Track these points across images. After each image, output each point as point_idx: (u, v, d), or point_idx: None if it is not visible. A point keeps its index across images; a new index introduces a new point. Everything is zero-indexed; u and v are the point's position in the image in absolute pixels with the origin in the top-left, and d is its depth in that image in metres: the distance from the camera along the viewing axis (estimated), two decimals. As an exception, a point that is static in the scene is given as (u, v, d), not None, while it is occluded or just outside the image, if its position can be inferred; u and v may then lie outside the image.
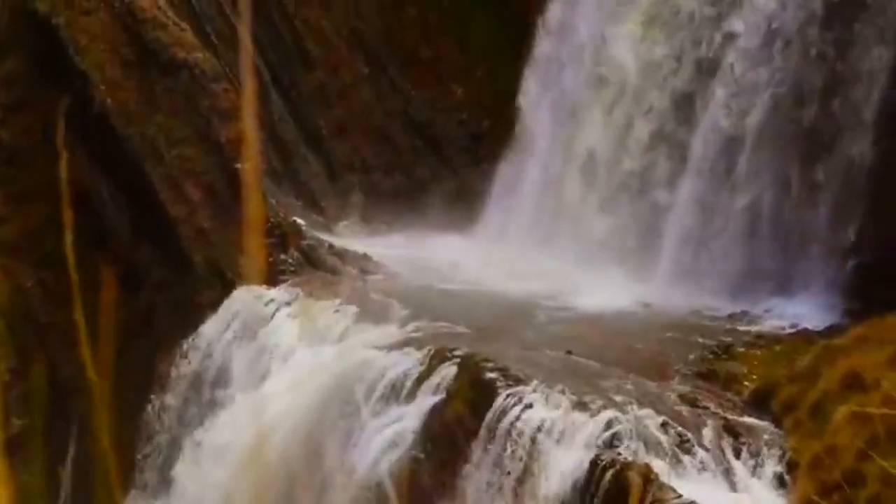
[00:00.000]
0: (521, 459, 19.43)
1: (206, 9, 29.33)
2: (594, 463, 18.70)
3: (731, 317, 23.86)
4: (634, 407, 19.52)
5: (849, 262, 23.47)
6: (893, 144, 22.88)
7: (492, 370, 20.59)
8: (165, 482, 24.17)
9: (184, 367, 24.64)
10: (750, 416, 20.11)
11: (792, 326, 23.29)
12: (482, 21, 30.67)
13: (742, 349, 22.17)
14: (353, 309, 23.31)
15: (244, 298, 24.57)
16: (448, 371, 20.84)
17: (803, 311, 23.56)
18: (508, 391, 20.03)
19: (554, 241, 26.65)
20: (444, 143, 30.86)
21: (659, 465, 18.49)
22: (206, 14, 29.27)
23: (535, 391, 19.93)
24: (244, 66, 20.70)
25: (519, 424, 19.52)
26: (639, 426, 19.09)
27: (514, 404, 19.80)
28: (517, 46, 29.00)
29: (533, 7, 28.78)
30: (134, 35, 26.20)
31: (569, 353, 21.80)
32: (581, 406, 19.58)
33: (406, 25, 30.86)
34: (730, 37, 24.84)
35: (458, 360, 20.97)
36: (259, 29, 29.47)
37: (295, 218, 27.86)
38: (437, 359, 21.13)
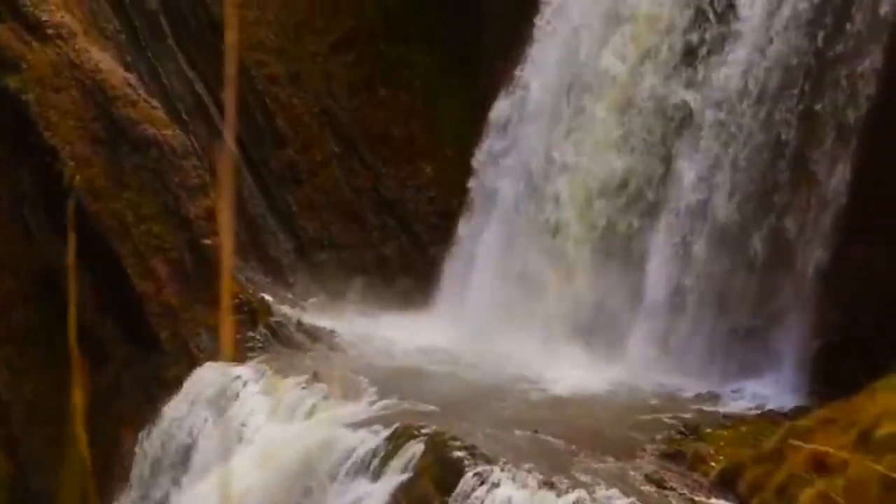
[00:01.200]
0: (489, 538, 19.32)
1: (177, 86, 29.55)
2: (561, 542, 18.62)
3: (698, 397, 23.92)
4: (602, 487, 19.48)
5: (815, 344, 23.63)
6: (851, 236, 23.21)
7: (459, 448, 20.52)
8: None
9: (149, 444, 24.43)
10: (716, 497, 20.07)
11: (758, 407, 23.37)
12: (452, 102, 30.98)
13: (709, 430, 22.19)
14: (320, 386, 23.24)
15: (211, 375, 24.45)
16: (415, 449, 20.76)
17: (770, 393, 23.66)
18: (476, 470, 19.95)
19: (520, 318, 26.69)
20: (414, 220, 31.02)
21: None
22: (177, 91, 29.48)
23: (502, 470, 19.86)
24: (226, 143, 20.78)
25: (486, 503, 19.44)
26: (606, 506, 19.03)
27: (482, 483, 19.73)
28: (486, 129, 29.29)
29: (499, 91, 29.10)
30: (104, 112, 26.29)
31: (536, 431, 21.77)
32: (548, 485, 19.51)
33: (377, 105, 31.14)
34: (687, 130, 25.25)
35: (425, 438, 20.90)
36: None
37: (263, 294, 27.86)
38: (405, 437, 21.05)
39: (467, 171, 29.80)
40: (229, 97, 13.89)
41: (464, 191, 29.71)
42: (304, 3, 30.96)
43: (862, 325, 23.61)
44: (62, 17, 26.80)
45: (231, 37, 12.98)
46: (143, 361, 25.97)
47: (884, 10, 22.86)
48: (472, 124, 30.37)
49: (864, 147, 23.00)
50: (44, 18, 26.77)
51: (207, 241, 25.88)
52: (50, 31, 26.74)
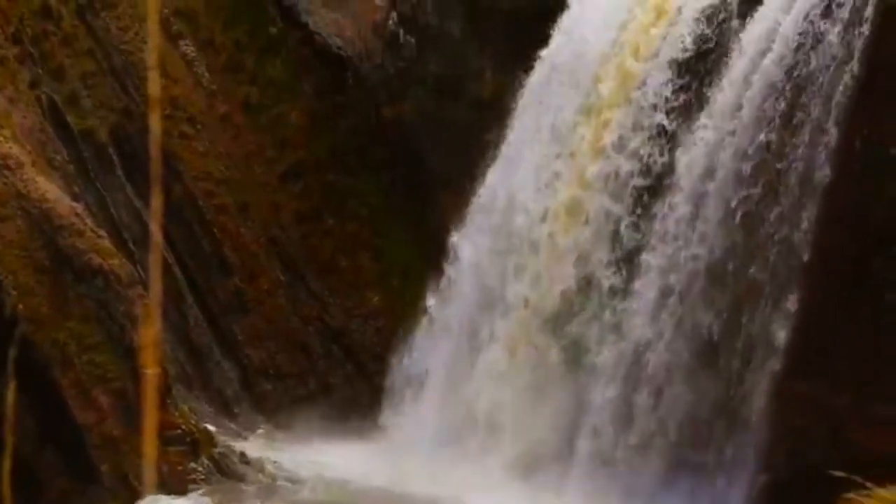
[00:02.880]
0: None
1: (125, 216, 29.55)
2: None
3: (643, 531, 23.79)
4: None
5: (761, 479, 23.64)
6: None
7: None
8: None
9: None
10: None
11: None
12: (399, 231, 31.16)
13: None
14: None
15: (151, 510, 24.04)
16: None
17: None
18: None
19: (463, 449, 26.56)
20: (360, 350, 30.93)
21: None
22: (125, 221, 29.48)
23: None
24: (153, 270, 20.75)
25: None
26: None
27: None
28: (433, 259, 29.45)
29: (448, 225, 29.33)
30: (49, 241, 26.21)
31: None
32: None
33: (324, 234, 31.24)
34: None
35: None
36: (176, 234, 29.69)
37: (206, 425, 27.53)
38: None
39: (414, 301, 29.86)
40: (155, 194, 13.88)
41: (410, 320, 29.73)
42: (253, 135, 31.23)
43: (808, 459, 23.66)
44: (10, 147, 26.84)
45: (155, 121, 13.06)
46: (80, 495, 25.48)
47: (818, 174, 23.40)
48: (420, 254, 30.54)
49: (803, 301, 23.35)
50: (-9, 148, 26.81)
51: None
52: (-3, 161, 26.76)
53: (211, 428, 27.51)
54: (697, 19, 25.46)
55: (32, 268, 25.92)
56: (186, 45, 31.08)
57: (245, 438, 28.68)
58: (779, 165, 23.51)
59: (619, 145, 26.06)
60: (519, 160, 27.97)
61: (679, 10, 25.77)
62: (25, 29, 29.89)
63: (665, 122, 25.63)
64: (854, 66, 22.89)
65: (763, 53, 24.02)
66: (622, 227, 25.76)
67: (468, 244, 28.47)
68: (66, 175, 28.77)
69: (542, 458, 25.84)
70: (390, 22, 31.69)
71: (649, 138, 25.73)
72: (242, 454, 26.81)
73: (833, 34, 23.07)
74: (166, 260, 29.02)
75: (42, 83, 29.66)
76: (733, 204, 24.00)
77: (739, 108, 24.22)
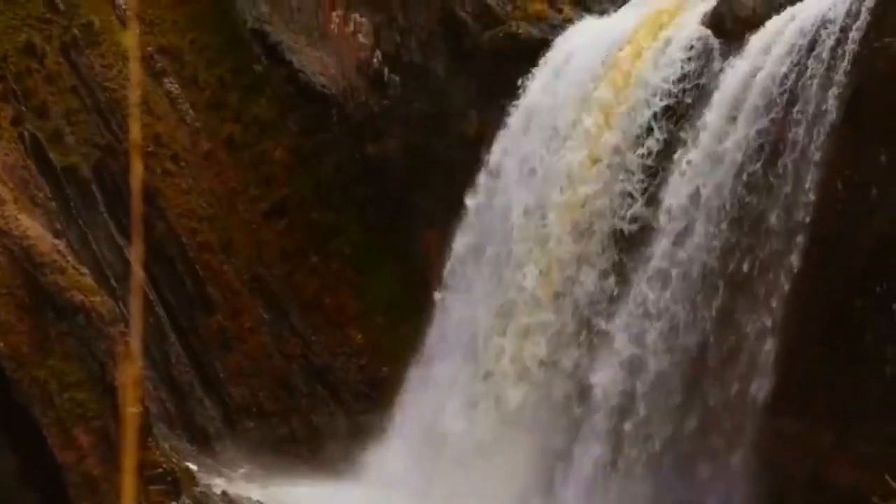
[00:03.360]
0: None
1: (107, 253, 29.48)
2: None
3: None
4: None
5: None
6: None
7: None
8: None
9: None
10: None
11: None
12: (383, 269, 31.13)
13: None
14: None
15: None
16: None
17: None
18: None
19: (444, 492, 26.48)
20: (343, 388, 30.84)
21: None
22: (107, 258, 29.40)
23: None
24: (135, 307, 20.71)
25: None
26: None
27: None
28: (417, 297, 29.43)
29: (434, 267, 29.31)
30: (30, 278, 26.10)
31: None
32: None
33: (308, 272, 31.21)
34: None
35: None
36: (159, 272, 29.63)
37: (188, 463, 27.38)
38: None
39: (396, 339, 29.81)
40: (136, 233, 13.88)
41: (392, 358, 29.67)
42: (237, 173, 31.25)
43: (790, 498, 23.64)
44: (-8, 185, 26.83)
45: (136, 163, 13.10)
46: (59, 535, 25.29)
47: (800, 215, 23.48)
48: (404, 293, 30.52)
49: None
50: (-27, 187, 26.77)
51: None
52: (-21, 199, 26.69)
53: (192, 466, 27.35)
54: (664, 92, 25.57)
55: (14, 305, 25.81)
56: (170, 82, 31.14)
57: (227, 477, 28.52)
58: (761, 207, 23.57)
59: (590, 207, 26.13)
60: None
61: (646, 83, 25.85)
62: (9, 66, 29.92)
63: (632, 189, 25.68)
64: (833, 109, 23.01)
65: (738, 108, 24.05)
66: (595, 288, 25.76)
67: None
68: (48, 212, 28.72)
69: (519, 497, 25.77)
70: (375, 60, 31.79)
71: (620, 198, 25.79)
72: (224, 493, 26.66)
73: (812, 88, 23.20)
74: (148, 297, 28.95)
75: (25, 120, 29.66)
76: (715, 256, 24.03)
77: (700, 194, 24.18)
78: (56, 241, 27.04)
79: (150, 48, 30.89)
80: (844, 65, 23.00)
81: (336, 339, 31.03)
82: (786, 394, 23.49)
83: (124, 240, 29.26)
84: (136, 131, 12.69)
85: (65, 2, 30.83)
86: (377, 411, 29.58)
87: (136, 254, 19.96)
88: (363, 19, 31.77)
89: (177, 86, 31.16)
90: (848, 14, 23.17)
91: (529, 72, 28.33)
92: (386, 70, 31.72)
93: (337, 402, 30.77)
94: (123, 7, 30.95)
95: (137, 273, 23.35)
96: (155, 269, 29.36)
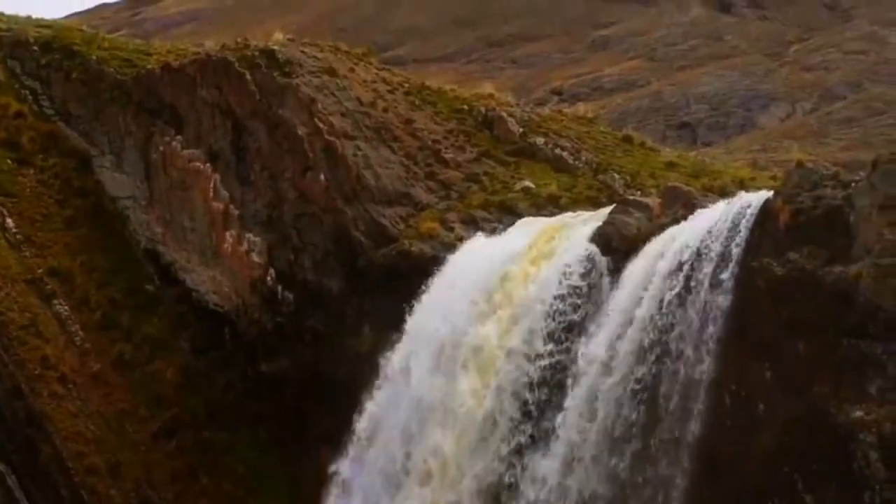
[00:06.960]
0: None
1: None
2: None
3: None
4: None
5: None
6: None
7: None
8: None
9: None
10: None
11: None
12: (276, 490, 30.56)
13: None
14: None
15: None
16: None
17: None
18: None
19: None
20: None
21: None
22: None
23: None
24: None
25: None
26: None
27: None
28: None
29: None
30: None
31: None
32: None
33: (199, 494, 30.56)
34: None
35: None
36: (42, 499, 28.82)
37: None
38: None
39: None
40: None
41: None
42: (126, 393, 30.84)
43: None
44: None
45: None
46: None
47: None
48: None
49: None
50: None
51: None
52: None
53: None
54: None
55: None
56: (60, 304, 30.93)
57: None
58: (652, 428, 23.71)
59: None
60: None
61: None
62: None
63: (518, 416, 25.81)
64: (718, 325, 23.46)
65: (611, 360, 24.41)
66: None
67: None
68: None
69: None
70: (269, 278, 31.87)
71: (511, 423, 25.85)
72: None
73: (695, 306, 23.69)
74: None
75: None
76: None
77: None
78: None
79: (40, 270, 30.79)
80: (726, 284, 23.54)
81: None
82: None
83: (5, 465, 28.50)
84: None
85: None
86: None
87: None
88: (257, 238, 31.97)
89: (66, 308, 30.94)
90: (728, 235, 23.83)
91: (421, 288, 28.52)
92: (280, 288, 31.81)
93: None
94: (14, 230, 30.92)
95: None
96: (37, 496, 28.57)
